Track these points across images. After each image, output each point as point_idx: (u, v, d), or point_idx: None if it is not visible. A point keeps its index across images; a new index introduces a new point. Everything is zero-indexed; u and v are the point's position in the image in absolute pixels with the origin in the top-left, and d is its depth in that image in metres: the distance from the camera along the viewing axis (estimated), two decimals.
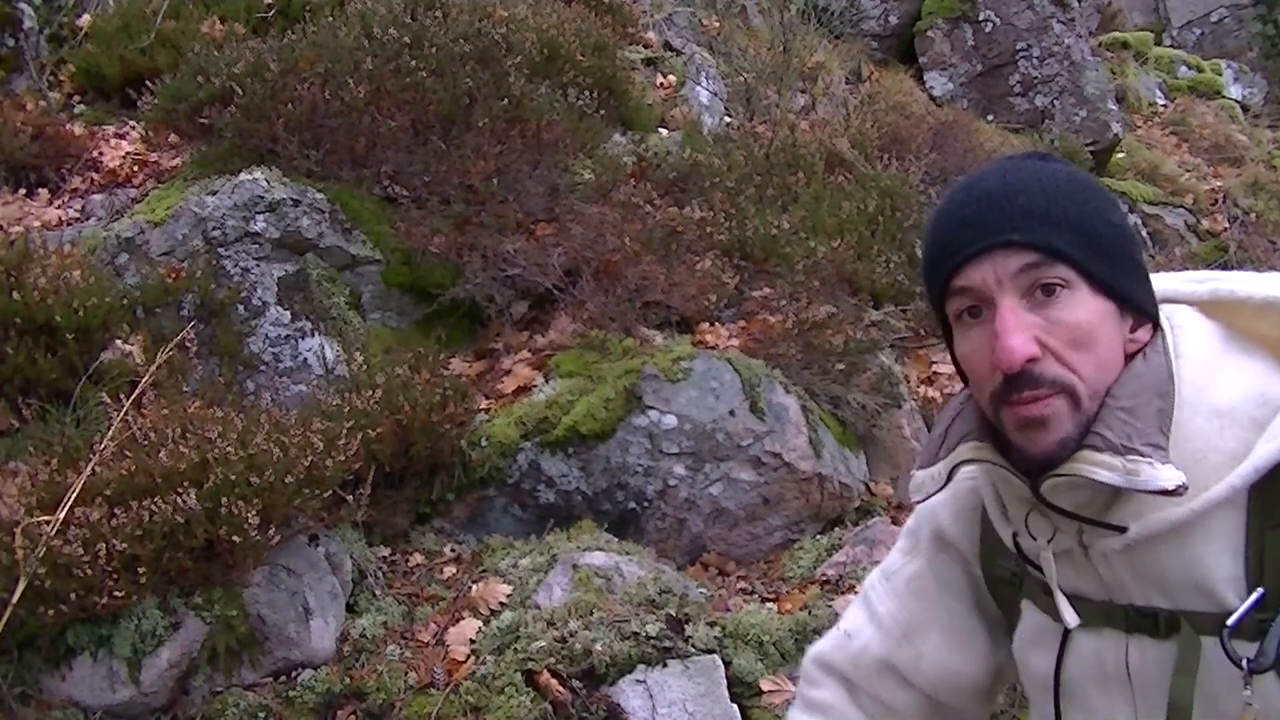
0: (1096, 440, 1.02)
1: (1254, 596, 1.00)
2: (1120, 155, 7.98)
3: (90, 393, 3.05)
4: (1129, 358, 1.07)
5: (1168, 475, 0.99)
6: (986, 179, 1.10)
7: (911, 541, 1.35)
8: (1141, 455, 1.00)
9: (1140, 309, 1.09)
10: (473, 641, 2.90)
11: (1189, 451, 1.02)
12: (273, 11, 5.15)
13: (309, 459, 2.79)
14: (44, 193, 4.22)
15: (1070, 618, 1.11)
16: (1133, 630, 1.09)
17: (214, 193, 3.82)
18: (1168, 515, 1.03)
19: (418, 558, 3.28)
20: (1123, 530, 1.05)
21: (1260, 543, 1.02)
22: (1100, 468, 1.01)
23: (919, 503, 1.19)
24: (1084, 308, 1.04)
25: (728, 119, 5.86)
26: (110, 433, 2.66)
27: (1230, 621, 1.00)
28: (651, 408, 3.47)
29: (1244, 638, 1.00)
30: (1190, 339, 1.10)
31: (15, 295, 3.09)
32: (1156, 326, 1.10)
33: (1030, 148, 7.41)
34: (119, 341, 3.26)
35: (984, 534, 1.25)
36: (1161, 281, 1.14)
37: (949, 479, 1.13)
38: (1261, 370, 1.08)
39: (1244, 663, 0.99)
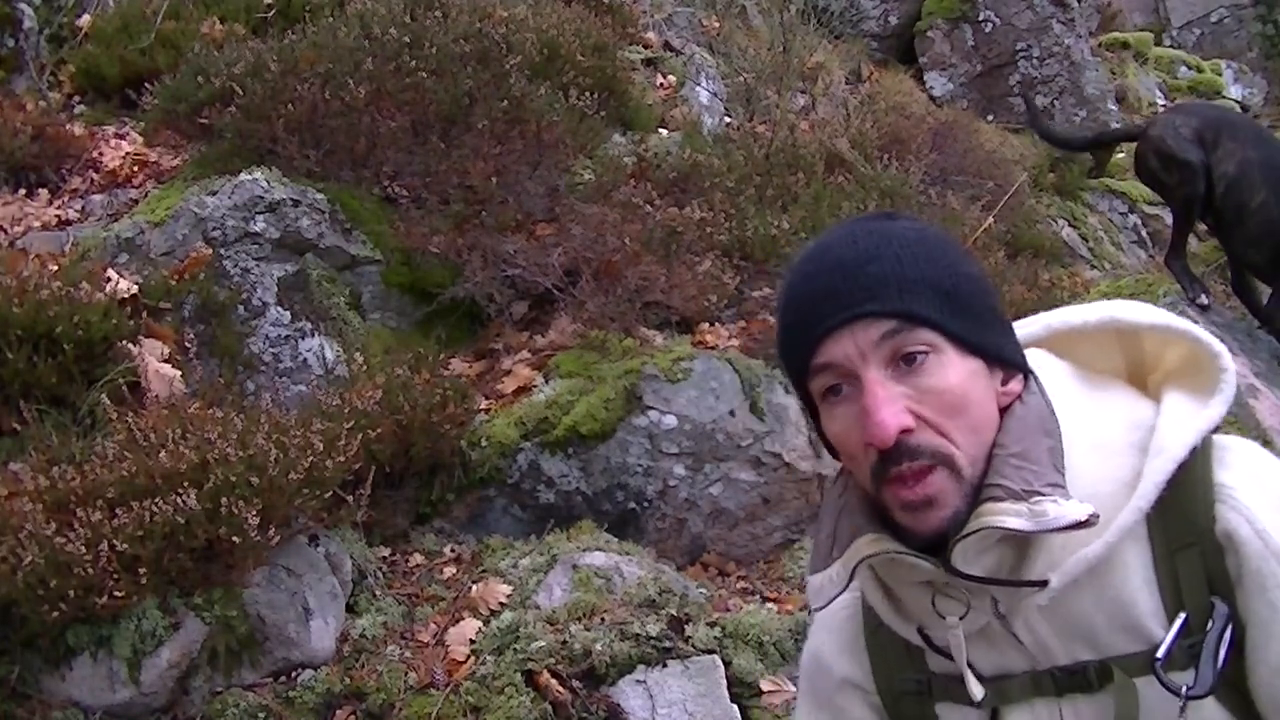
0: (995, 491, 0.99)
1: (1178, 622, 1.00)
2: (1120, 155, 7.97)
3: (91, 397, 3.04)
4: (1004, 410, 1.04)
5: (1075, 508, 0.97)
6: (834, 247, 1.05)
7: (810, 701, 1.26)
8: (1044, 495, 0.98)
9: (1009, 361, 1.06)
10: (473, 642, 2.90)
11: (1082, 489, 1.00)
12: (273, 11, 5.15)
13: (309, 459, 2.78)
14: (44, 193, 4.21)
15: (976, 690, 1.07)
16: (1064, 692, 1.06)
17: (214, 193, 3.81)
18: (1084, 555, 1.01)
19: (418, 558, 3.28)
20: (1044, 584, 1.01)
21: (1171, 566, 1.01)
22: (1006, 515, 0.98)
23: (820, 609, 1.12)
24: (952, 371, 1.01)
25: (728, 119, 5.86)
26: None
27: (1159, 654, 0.99)
28: (651, 408, 3.47)
29: (1175, 667, 1.00)
30: (1049, 380, 1.08)
31: (16, 306, 3.07)
32: (1027, 375, 1.07)
33: (1031, 147, 7.42)
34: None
35: (873, 655, 1.19)
36: None
37: (851, 578, 1.06)
38: (1120, 398, 1.10)
39: (1183, 690, 0.98)
